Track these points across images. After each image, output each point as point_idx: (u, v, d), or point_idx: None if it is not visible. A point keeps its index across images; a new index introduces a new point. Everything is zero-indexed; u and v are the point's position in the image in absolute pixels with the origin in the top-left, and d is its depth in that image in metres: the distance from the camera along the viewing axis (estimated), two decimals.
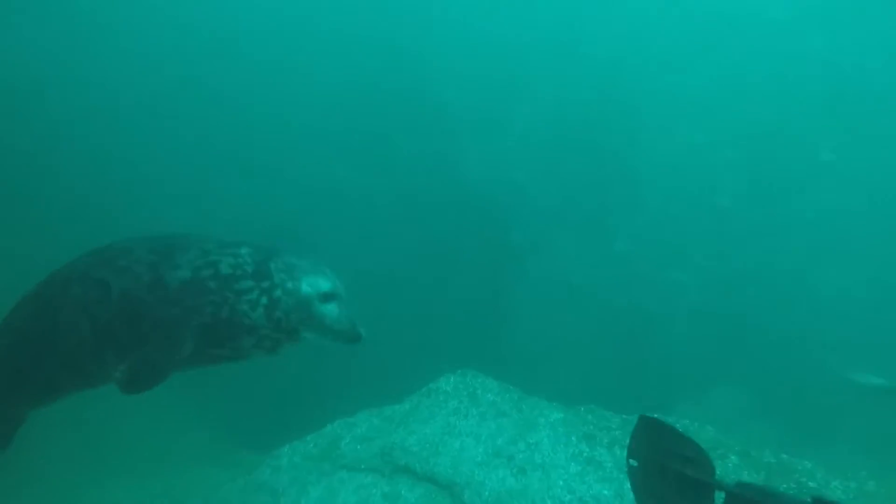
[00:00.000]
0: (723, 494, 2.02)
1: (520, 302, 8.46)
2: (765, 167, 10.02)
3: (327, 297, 2.89)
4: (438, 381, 5.64)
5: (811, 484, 4.14)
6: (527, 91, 11.32)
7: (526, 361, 6.48)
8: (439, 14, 11.94)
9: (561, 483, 4.36)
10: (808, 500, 1.77)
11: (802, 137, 10.41)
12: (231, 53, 11.31)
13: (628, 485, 4.31)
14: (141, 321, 2.72)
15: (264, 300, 2.82)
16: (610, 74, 10.55)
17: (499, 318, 7.96)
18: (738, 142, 10.33)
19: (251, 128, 10.88)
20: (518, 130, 10.99)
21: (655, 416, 5.13)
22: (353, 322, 2.92)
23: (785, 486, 4.14)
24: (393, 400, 5.56)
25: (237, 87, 11.15)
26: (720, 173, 10.32)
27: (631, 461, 2.48)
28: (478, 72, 10.70)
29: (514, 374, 5.97)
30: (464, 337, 7.07)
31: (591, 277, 9.49)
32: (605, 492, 4.26)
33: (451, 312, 7.70)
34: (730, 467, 4.32)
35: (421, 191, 10.50)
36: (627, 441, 4.78)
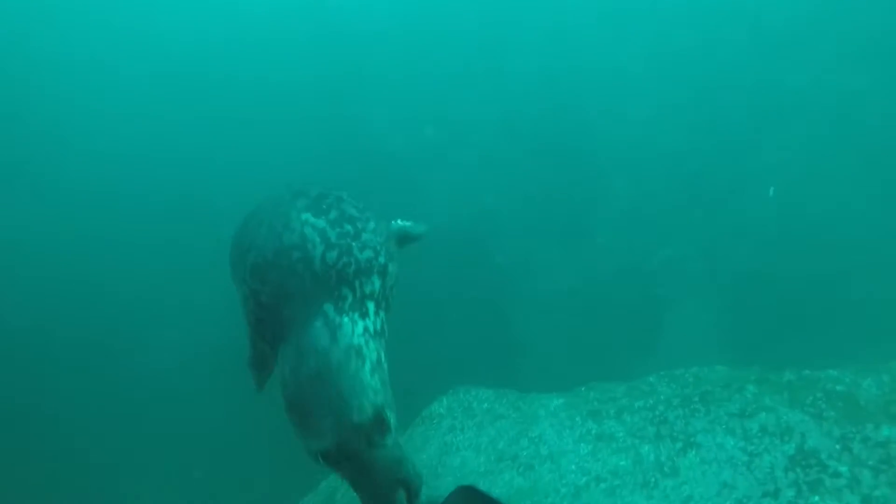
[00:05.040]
0: None
1: (512, 316, 8.10)
2: (721, 118, 9.90)
3: None
4: (430, 407, 5.23)
5: (838, 388, 3.67)
6: (472, 117, 11.36)
7: (522, 369, 6.07)
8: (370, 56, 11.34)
9: (573, 467, 3.88)
10: None
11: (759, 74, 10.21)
12: None
13: (645, 449, 3.86)
14: None
15: None
16: (545, 69, 10.58)
17: (492, 337, 7.59)
18: (689, 105, 10.27)
19: None
20: (473, 156, 10.96)
21: (663, 372, 4.70)
22: None
23: (811, 398, 3.67)
24: None
25: None
26: (680, 140, 10.20)
27: None
28: (414, 111, 10.71)
29: (511, 381, 5.57)
30: (458, 360, 6.69)
31: (581, 279, 9.16)
32: (623, 462, 3.78)
33: (441, 340, 7.34)
34: (749, 398, 3.85)
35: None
36: (637, 406, 4.36)
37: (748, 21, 9.81)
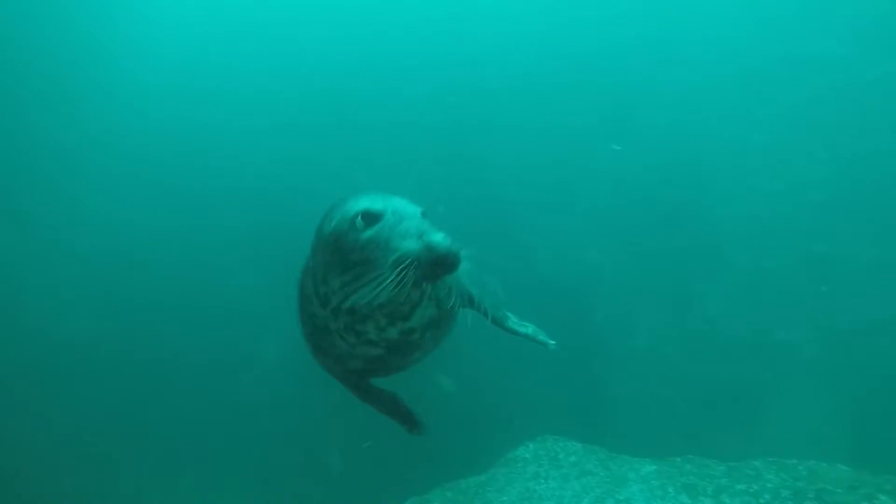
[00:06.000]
0: None
1: (607, 374, 7.86)
2: (859, 202, 9.17)
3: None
4: (517, 450, 5.24)
5: None
6: (586, 169, 11.35)
7: (611, 428, 5.87)
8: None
9: None
10: None
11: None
12: None
13: None
14: None
15: None
16: (667, 137, 10.42)
17: (583, 391, 7.39)
18: (822, 182, 9.64)
19: None
20: (582, 208, 10.90)
21: (771, 459, 4.38)
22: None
23: None
24: (469, 473, 5.16)
25: None
26: (809, 218, 9.55)
27: None
28: (533, 158, 10.84)
29: (598, 438, 5.44)
30: (546, 409, 6.60)
31: (684, 348, 8.74)
32: None
33: (532, 386, 7.27)
34: None
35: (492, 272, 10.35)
36: (738, 488, 4.09)
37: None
